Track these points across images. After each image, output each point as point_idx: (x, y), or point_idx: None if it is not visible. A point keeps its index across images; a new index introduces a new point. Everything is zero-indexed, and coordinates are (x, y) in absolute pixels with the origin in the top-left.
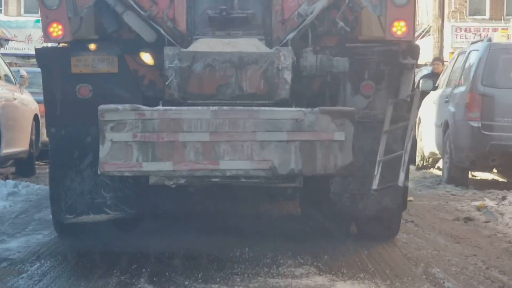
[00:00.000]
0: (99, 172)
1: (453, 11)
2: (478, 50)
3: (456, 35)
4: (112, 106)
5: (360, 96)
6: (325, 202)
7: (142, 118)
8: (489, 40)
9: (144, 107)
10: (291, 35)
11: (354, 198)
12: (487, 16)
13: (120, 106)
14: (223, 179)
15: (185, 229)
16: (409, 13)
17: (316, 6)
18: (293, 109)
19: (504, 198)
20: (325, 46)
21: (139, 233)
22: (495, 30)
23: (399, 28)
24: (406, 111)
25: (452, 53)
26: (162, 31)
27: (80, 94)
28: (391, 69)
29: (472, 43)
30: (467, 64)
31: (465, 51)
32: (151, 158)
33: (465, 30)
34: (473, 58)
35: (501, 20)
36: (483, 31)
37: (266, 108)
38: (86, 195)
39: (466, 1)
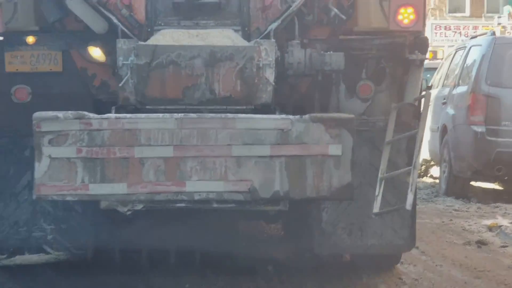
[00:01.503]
0: (34, 196)
1: (432, 9)
2: (480, 45)
3: (436, 33)
4: (50, 113)
5: (357, 99)
6: (316, 233)
7: (89, 128)
8: (493, 34)
9: (91, 115)
10: (273, 25)
11: (352, 230)
12: (467, 13)
13: (60, 114)
14: (191, 204)
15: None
16: None
17: None
18: (277, 116)
19: None
20: (315, 39)
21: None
22: (475, 28)
23: (406, 15)
24: (413, 118)
25: (432, 51)
26: (115, 20)
27: (17, 98)
28: (395, 66)
29: (472, 37)
30: (468, 61)
31: (465, 47)
32: (100, 179)
33: (445, 28)
34: (475, 54)
35: (481, 17)
36: (463, 29)
37: (244, 115)
38: (21, 227)
39: None
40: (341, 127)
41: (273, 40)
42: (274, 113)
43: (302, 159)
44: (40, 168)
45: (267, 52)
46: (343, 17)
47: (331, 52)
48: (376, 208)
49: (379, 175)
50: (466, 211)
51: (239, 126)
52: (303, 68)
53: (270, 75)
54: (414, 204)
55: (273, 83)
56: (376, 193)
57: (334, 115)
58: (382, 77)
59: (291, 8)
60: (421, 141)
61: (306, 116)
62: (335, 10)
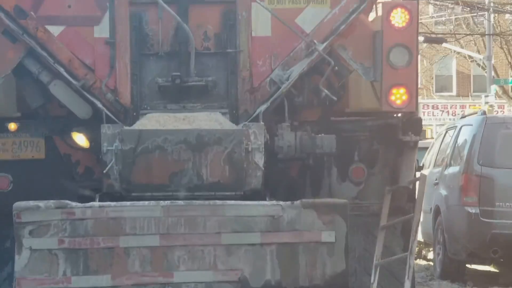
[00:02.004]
0: None
1: (419, 88)
2: (471, 125)
3: (424, 112)
4: (31, 203)
5: (349, 183)
6: None
7: (71, 218)
8: (484, 113)
9: (74, 204)
10: (262, 108)
11: None
12: (454, 93)
13: (41, 203)
14: None
15: None
16: (411, 77)
17: (294, 71)
18: (267, 202)
19: None
20: (306, 121)
21: None
22: (463, 107)
23: (398, 96)
24: (408, 201)
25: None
26: (100, 105)
27: None
28: (388, 148)
29: (463, 117)
30: (459, 141)
31: (455, 126)
32: (83, 271)
33: (433, 107)
34: (466, 134)
35: (468, 97)
36: (450, 108)
37: (233, 202)
38: None
39: (432, 78)
40: (334, 213)
41: (262, 123)
42: (264, 199)
43: (294, 247)
44: (21, 261)
45: (256, 135)
46: (334, 98)
47: (322, 134)
48: None
49: (375, 261)
50: None
51: (228, 213)
52: (293, 152)
53: (259, 159)
54: None
55: (263, 168)
56: (372, 280)
57: (327, 200)
58: (375, 160)
59: (280, 90)
60: (418, 225)
61: (298, 202)
62: (326, 91)
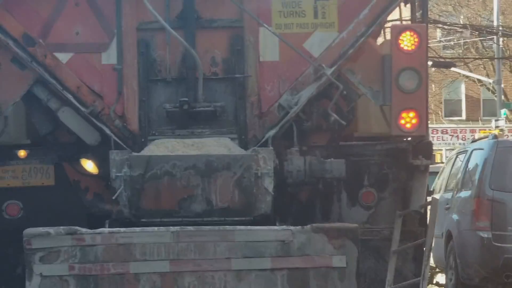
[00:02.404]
0: None
1: (428, 113)
2: (482, 149)
3: (433, 136)
4: (41, 229)
5: (359, 207)
6: None
7: (81, 244)
8: (495, 137)
9: (84, 230)
10: (271, 133)
11: None
12: (463, 117)
13: (52, 230)
14: None
15: None
16: (420, 101)
17: (302, 96)
18: (277, 227)
19: None
20: (315, 146)
21: None
22: (472, 131)
23: (408, 120)
24: (419, 225)
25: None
26: (108, 131)
27: (8, 214)
28: (398, 172)
29: (473, 141)
30: (470, 165)
31: (466, 150)
32: None
33: (442, 132)
34: (477, 158)
35: (478, 121)
36: (460, 132)
37: (243, 227)
38: None
39: (441, 103)
40: (344, 237)
41: (271, 148)
42: (274, 224)
43: (304, 272)
44: (31, 287)
45: (265, 160)
46: (343, 122)
47: (332, 159)
48: None
49: (386, 287)
50: None
51: (238, 238)
52: (303, 176)
53: (269, 184)
54: None
55: (272, 193)
56: None
57: (337, 225)
58: (385, 184)
59: (289, 115)
60: (430, 250)
61: (308, 227)
62: (335, 115)
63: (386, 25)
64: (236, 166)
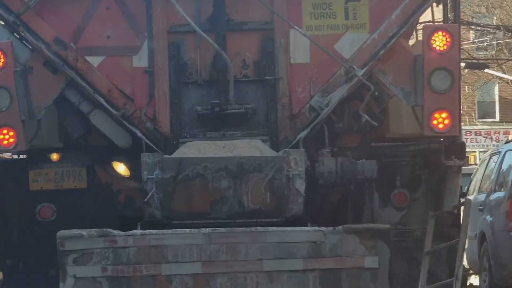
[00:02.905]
0: None
1: (462, 115)
2: None
3: (466, 138)
4: (74, 231)
5: (391, 208)
6: None
7: (114, 246)
8: None
9: (116, 232)
10: (302, 134)
11: None
12: (497, 118)
13: (84, 232)
14: None
15: None
16: (453, 101)
17: (333, 97)
18: (309, 228)
19: None
20: (346, 147)
21: None
22: (506, 133)
23: (440, 120)
24: (452, 226)
25: None
26: (140, 134)
27: (41, 216)
28: (431, 173)
29: (507, 142)
30: (503, 166)
31: (499, 152)
32: None
33: (475, 134)
34: (511, 160)
35: (511, 122)
36: (494, 134)
37: (275, 228)
38: None
39: (474, 104)
40: (377, 238)
41: (302, 149)
42: (305, 225)
43: (336, 273)
44: None
45: (297, 162)
46: (375, 124)
47: (363, 160)
48: None
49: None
50: None
51: (269, 239)
52: (334, 178)
53: (300, 185)
54: None
55: (304, 194)
56: None
57: (369, 225)
58: (418, 185)
59: (320, 116)
60: (463, 250)
61: (340, 228)
62: (366, 117)
63: (418, 26)
64: (267, 167)
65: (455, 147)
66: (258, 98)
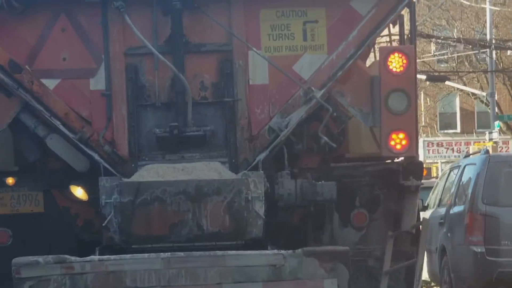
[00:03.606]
0: None
1: (424, 126)
2: (475, 164)
3: (428, 150)
4: (30, 258)
5: (351, 228)
6: None
7: (71, 272)
8: (487, 152)
9: (73, 258)
10: (261, 156)
11: None
12: (458, 130)
13: (40, 259)
14: None
15: None
16: (410, 122)
17: (292, 118)
18: (269, 252)
19: None
20: (305, 168)
21: None
22: (467, 143)
23: (398, 141)
24: (411, 245)
25: (426, 169)
26: (97, 157)
27: None
28: (389, 193)
29: (466, 156)
30: (463, 180)
31: (459, 165)
32: None
33: (437, 145)
34: (470, 173)
35: (472, 133)
36: (455, 145)
37: (234, 252)
38: None
39: (436, 116)
40: (335, 260)
41: (261, 171)
42: (265, 248)
43: None
44: None
45: (256, 184)
46: (334, 145)
47: (323, 181)
48: None
49: None
50: None
51: (229, 263)
52: (294, 199)
53: (259, 208)
54: None
55: (263, 216)
56: None
57: (328, 248)
58: (377, 205)
59: (279, 138)
60: (421, 269)
61: (299, 251)
62: (325, 138)
63: (375, 46)
64: (226, 190)
65: (412, 167)
66: (217, 120)
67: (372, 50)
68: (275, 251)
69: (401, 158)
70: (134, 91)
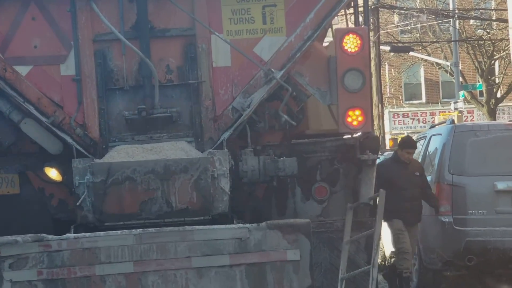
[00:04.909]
0: None
1: (388, 97)
2: (440, 134)
3: (394, 121)
4: (9, 238)
5: (313, 201)
6: None
7: (48, 250)
8: (452, 122)
9: (50, 237)
10: (226, 135)
11: None
12: (424, 100)
13: (19, 238)
14: None
15: None
16: (365, 99)
17: (254, 98)
18: (234, 226)
19: None
20: (268, 145)
21: None
22: (432, 114)
23: (354, 117)
24: (369, 216)
25: (392, 139)
26: (70, 140)
27: None
28: (348, 167)
29: (432, 126)
30: (429, 151)
31: (425, 136)
32: None
33: (403, 116)
34: (436, 144)
35: (437, 103)
36: (421, 115)
37: (202, 227)
38: None
39: (401, 87)
40: (297, 232)
41: (226, 150)
42: (231, 222)
43: (261, 266)
44: None
45: (221, 162)
46: (293, 123)
47: (284, 157)
48: None
49: (340, 275)
50: None
51: (197, 237)
52: (257, 175)
53: (225, 184)
54: None
55: (229, 192)
56: None
57: (290, 221)
58: (336, 179)
59: (242, 117)
60: (379, 239)
61: (263, 224)
62: (285, 116)
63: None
64: (193, 168)
65: (369, 142)
66: (182, 101)
67: (331, 29)
68: (241, 225)
69: (358, 134)
70: (103, 76)
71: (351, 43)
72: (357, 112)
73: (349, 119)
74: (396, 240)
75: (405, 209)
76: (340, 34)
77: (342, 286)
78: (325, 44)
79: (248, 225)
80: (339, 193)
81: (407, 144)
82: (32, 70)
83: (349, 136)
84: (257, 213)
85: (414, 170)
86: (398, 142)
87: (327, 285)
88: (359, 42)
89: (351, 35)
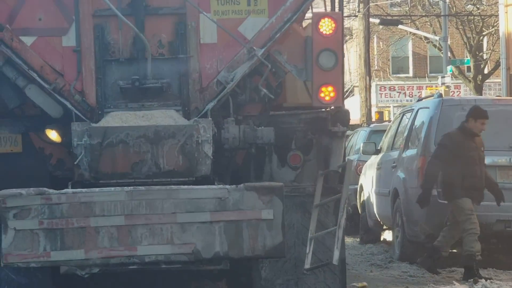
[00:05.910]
0: (1, 264)
1: (376, 70)
2: (428, 108)
3: (381, 94)
4: (14, 190)
5: (288, 168)
6: None
7: (49, 203)
8: (440, 95)
9: (51, 191)
10: (210, 105)
11: (288, 286)
12: (411, 74)
13: (23, 191)
14: (142, 265)
15: None
16: (337, 77)
17: (237, 73)
18: (215, 186)
19: (476, 282)
20: (248, 115)
21: None
22: (419, 88)
23: (327, 93)
24: (338, 183)
25: (378, 112)
26: (69, 105)
27: None
28: (320, 137)
29: (419, 100)
30: (416, 124)
31: (412, 109)
32: (60, 247)
33: (390, 89)
34: (423, 117)
35: (425, 77)
36: (407, 89)
37: (186, 186)
38: None
39: (389, 60)
40: (272, 194)
41: (210, 118)
42: (213, 183)
43: (238, 223)
44: (7, 239)
45: (205, 129)
46: (272, 96)
47: (262, 127)
48: (307, 264)
49: (309, 235)
50: (422, 276)
51: (182, 196)
52: (237, 142)
53: (208, 150)
54: (342, 260)
55: (211, 157)
56: (307, 251)
57: (266, 184)
58: (310, 148)
59: (225, 89)
60: (345, 203)
61: (241, 186)
62: (265, 90)
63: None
64: (180, 134)
65: (340, 115)
66: (172, 73)
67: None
68: (221, 186)
69: (330, 108)
70: (101, 48)
71: (326, 26)
72: (330, 88)
73: (322, 94)
74: (466, 221)
75: (475, 187)
76: (317, 18)
77: (311, 245)
78: (304, 25)
79: (227, 186)
80: (311, 161)
81: (481, 113)
82: (36, 41)
83: (322, 109)
84: (237, 177)
85: (480, 145)
86: (468, 112)
87: (298, 244)
88: (333, 25)
89: (326, 19)
